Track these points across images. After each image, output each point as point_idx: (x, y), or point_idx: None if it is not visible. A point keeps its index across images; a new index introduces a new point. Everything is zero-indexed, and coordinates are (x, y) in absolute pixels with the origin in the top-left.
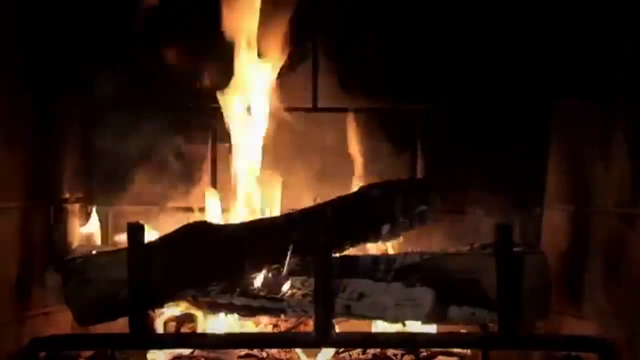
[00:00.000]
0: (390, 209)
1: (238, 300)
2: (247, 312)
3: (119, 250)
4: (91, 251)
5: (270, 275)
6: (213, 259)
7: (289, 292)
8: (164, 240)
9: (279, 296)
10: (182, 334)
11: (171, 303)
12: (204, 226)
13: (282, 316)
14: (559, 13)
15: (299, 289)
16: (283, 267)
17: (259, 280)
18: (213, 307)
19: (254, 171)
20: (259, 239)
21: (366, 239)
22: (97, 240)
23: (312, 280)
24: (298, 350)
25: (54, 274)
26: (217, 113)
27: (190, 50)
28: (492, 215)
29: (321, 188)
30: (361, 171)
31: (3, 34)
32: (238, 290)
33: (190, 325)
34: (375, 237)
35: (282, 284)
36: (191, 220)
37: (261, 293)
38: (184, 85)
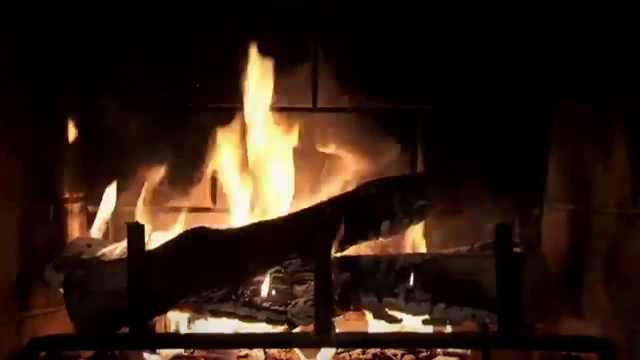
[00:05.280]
0: (389, 205)
1: (242, 311)
2: (251, 321)
3: (120, 259)
4: (87, 245)
5: (273, 286)
6: (214, 265)
7: (292, 302)
8: (163, 248)
9: (282, 308)
10: (182, 334)
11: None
12: (203, 232)
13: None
14: (558, 12)
15: (301, 297)
16: (284, 269)
17: (263, 290)
18: (216, 315)
19: (255, 172)
20: (259, 242)
21: (366, 237)
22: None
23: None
24: (298, 350)
25: (54, 272)
26: (216, 113)
27: (191, 49)
28: (492, 215)
29: (321, 188)
30: (361, 171)
31: (3, 35)
32: (241, 300)
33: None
34: (375, 234)
35: (285, 295)
36: (191, 221)
37: (265, 304)
38: (184, 84)
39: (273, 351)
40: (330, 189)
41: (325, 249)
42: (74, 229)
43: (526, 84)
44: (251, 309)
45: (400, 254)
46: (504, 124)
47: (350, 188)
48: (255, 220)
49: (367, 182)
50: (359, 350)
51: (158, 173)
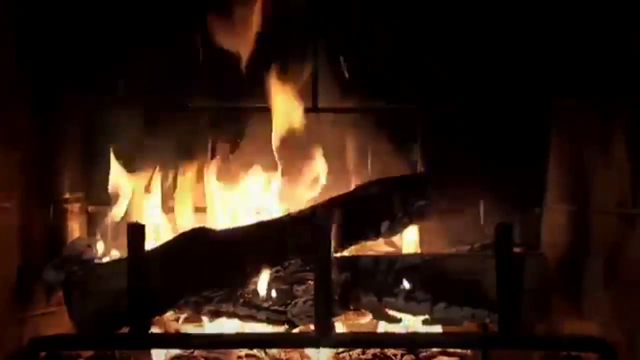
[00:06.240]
0: (389, 205)
1: (242, 311)
2: (251, 321)
3: (119, 260)
4: (86, 245)
5: (273, 286)
6: (214, 265)
7: (292, 302)
8: (163, 248)
9: (282, 308)
10: (182, 334)
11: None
12: (202, 232)
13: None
14: (559, 12)
15: (301, 297)
16: (284, 269)
17: (262, 289)
18: (216, 315)
19: (254, 172)
20: (258, 242)
21: (366, 237)
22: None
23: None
24: (298, 350)
25: (54, 272)
26: (216, 113)
27: (190, 49)
28: (492, 215)
29: (320, 188)
30: (361, 171)
31: (3, 35)
32: (241, 300)
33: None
34: (375, 234)
35: (285, 295)
36: (191, 220)
37: (264, 304)
38: (184, 85)
39: (273, 351)
40: (330, 189)
41: (325, 249)
42: (74, 229)
43: (526, 84)
44: (251, 309)
45: (400, 254)
46: (504, 124)
47: (349, 188)
48: (256, 220)
49: (367, 182)
50: (359, 350)
51: (158, 173)
